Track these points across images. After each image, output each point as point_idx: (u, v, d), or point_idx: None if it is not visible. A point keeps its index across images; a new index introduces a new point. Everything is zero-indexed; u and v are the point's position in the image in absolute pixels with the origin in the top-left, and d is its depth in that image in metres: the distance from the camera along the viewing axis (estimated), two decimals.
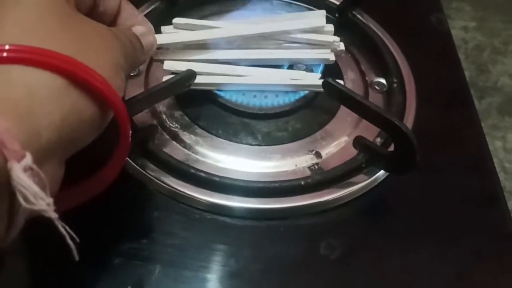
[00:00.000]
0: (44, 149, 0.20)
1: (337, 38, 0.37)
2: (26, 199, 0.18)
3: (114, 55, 0.25)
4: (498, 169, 0.37)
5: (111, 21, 0.30)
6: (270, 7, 0.39)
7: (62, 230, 0.20)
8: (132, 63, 0.28)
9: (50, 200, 0.19)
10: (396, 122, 0.30)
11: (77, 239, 0.21)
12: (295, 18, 0.38)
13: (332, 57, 0.37)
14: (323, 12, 0.38)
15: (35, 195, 0.18)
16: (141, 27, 0.30)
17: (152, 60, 0.39)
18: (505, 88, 0.76)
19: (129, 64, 0.27)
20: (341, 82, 0.34)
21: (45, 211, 0.19)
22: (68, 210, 0.21)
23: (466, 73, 0.44)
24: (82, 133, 0.22)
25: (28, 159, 0.18)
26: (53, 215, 0.19)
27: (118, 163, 0.26)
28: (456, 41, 0.47)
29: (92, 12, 0.28)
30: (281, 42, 0.37)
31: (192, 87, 0.35)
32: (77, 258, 0.21)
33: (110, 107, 0.23)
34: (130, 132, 0.25)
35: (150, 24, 0.32)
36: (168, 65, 0.35)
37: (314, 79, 0.36)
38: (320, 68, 0.38)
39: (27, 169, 0.18)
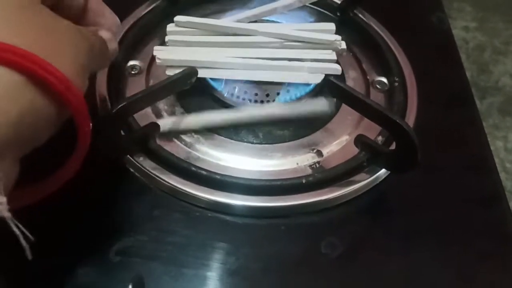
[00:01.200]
0: (0, 146, 0.19)
1: (338, 37, 0.37)
2: None
3: (78, 54, 0.24)
4: (499, 169, 0.37)
5: (78, 17, 0.29)
6: (271, 5, 0.39)
7: (16, 229, 0.20)
8: (96, 66, 0.28)
9: (3, 199, 0.19)
10: (397, 120, 0.30)
11: (32, 238, 0.20)
12: (303, 28, 0.38)
13: (338, 68, 0.37)
14: (332, 26, 0.38)
15: None
16: (106, 33, 0.29)
17: (153, 58, 0.39)
18: (506, 88, 0.76)
19: (93, 66, 0.26)
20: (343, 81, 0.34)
21: None
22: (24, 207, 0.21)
23: (467, 73, 0.44)
24: (39, 130, 0.22)
25: None
26: (6, 214, 0.19)
27: (74, 164, 0.25)
28: (457, 41, 0.47)
29: (58, 6, 0.27)
30: (283, 41, 0.37)
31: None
32: (30, 257, 0.20)
33: (68, 107, 0.22)
34: (90, 133, 0.24)
35: (118, 20, 0.31)
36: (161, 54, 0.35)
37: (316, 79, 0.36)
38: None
39: None
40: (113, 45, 0.30)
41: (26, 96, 0.20)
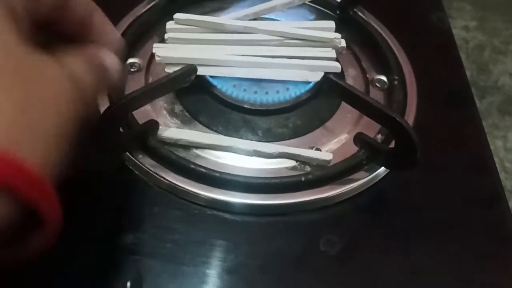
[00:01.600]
0: None
1: (338, 35, 0.37)
2: None
3: (63, 122, 0.21)
4: (498, 168, 0.37)
5: (78, 30, 0.27)
6: (271, 3, 0.39)
7: None
8: (93, 97, 0.26)
9: None
10: (397, 118, 0.30)
11: None
12: (302, 26, 0.38)
13: (338, 66, 0.37)
14: (332, 23, 0.38)
15: None
16: (108, 56, 0.27)
17: (152, 56, 0.39)
18: (506, 87, 0.76)
19: (89, 101, 0.24)
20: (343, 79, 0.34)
21: None
22: None
23: (467, 73, 0.44)
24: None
25: None
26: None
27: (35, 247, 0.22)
28: (457, 41, 0.47)
29: (56, 21, 0.26)
30: (282, 38, 0.37)
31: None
32: None
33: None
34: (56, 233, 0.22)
35: (120, 37, 0.30)
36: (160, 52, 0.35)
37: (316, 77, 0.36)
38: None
39: None
40: (114, 72, 0.27)
41: None
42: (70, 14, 0.26)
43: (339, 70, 0.37)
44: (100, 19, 0.28)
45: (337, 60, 0.38)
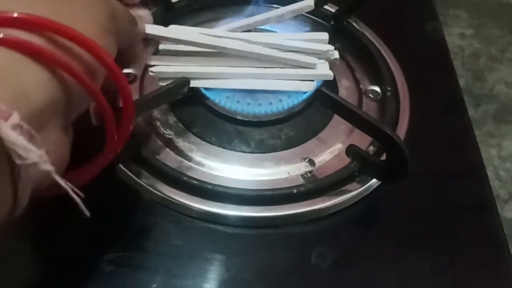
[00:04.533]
0: (35, 110, 0.19)
1: (331, 47, 0.37)
2: (18, 156, 0.18)
3: (100, 16, 0.24)
4: (493, 177, 0.38)
5: None
6: (265, 15, 0.39)
7: (64, 184, 0.20)
8: (127, 38, 0.28)
9: (42, 152, 0.19)
10: (388, 132, 0.30)
11: (82, 195, 0.21)
12: (296, 37, 0.38)
13: (330, 73, 0.37)
14: (325, 35, 0.38)
15: (25, 149, 0.18)
16: (139, 10, 0.30)
17: (146, 67, 0.40)
18: (501, 95, 0.76)
19: (120, 36, 0.27)
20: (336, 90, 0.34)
21: (38, 164, 0.19)
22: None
23: (462, 80, 0.44)
24: (76, 93, 0.22)
25: (15, 117, 0.18)
26: (48, 167, 0.19)
27: (124, 134, 0.26)
28: (453, 48, 0.47)
29: None
30: (276, 51, 0.37)
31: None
32: (87, 214, 0.21)
33: (102, 65, 0.22)
34: (131, 95, 0.25)
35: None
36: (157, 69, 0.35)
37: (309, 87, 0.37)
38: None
39: (15, 127, 0.18)
40: (146, 20, 0.31)
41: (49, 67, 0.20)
42: None
43: (331, 78, 0.37)
44: None
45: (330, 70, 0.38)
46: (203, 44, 0.35)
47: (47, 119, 0.20)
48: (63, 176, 0.21)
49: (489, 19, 0.84)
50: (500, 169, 0.66)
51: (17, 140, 0.18)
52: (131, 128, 0.26)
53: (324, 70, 0.37)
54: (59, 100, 0.21)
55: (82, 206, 0.21)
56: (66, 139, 0.22)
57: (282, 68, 0.37)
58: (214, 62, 0.36)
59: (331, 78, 0.37)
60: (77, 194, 0.21)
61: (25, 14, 0.20)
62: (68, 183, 0.20)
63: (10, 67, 0.19)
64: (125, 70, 0.40)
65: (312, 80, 0.37)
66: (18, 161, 0.18)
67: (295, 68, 0.37)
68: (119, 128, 0.25)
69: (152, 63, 0.36)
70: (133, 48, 0.30)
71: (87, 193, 0.31)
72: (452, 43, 0.46)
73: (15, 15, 0.20)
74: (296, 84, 0.37)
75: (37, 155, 0.19)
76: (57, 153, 0.21)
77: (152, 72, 0.35)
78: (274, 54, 0.36)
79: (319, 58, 0.37)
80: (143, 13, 0.30)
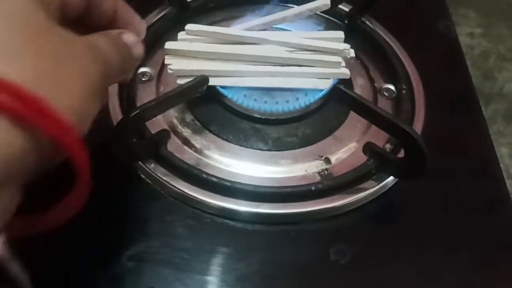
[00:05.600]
0: None
1: (347, 46, 0.37)
2: None
3: (91, 78, 0.23)
4: (504, 175, 0.38)
5: (106, 23, 0.28)
6: (281, 14, 0.40)
7: (13, 268, 0.19)
8: (117, 77, 0.28)
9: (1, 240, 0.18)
10: (406, 129, 0.31)
11: (27, 275, 0.20)
12: (312, 36, 0.38)
13: (347, 71, 0.37)
14: (341, 34, 0.38)
15: None
16: (132, 36, 0.28)
17: (164, 65, 0.40)
18: (511, 94, 0.76)
19: (113, 78, 0.26)
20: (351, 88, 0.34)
21: None
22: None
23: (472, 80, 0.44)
24: (39, 160, 0.20)
25: None
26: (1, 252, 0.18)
27: (75, 204, 0.23)
28: (462, 48, 0.47)
29: (85, 17, 0.27)
30: (292, 49, 0.37)
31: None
32: None
33: (64, 149, 0.20)
34: (89, 182, 0.22)
35: (145, 26, 0.31)
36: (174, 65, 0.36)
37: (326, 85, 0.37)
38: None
39: None
40: (137, 50, 0.29)
41: (16, 136, 0.19)
42: (96, 8, 0.27)
43: (348, 76, 0.37)
44: (124, 9, 0.29)
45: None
46: (226, 38, 0.35)
47: (4, 181, 0.19)
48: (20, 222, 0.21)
49: (498, 18, 0.83)
50: (511, 167, 0.66)
51: None
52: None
53: (340, 69, 0.37)
54: (18, 167, 0.19)
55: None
56: (17, 198, 0.21)
57: (299, 66, 0.37)
58: (231, 60, 0.36)
59: (348, 77, 0.37)
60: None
61: None
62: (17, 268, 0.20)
63: None
64: (142, 69, 0.40)
65: (329, 78, 0.37)
66: None
67: (311, 66, 0.37)
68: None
69: (169, 61, 0.36)
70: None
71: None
72: (461, 42, 0.46)
73: None
74: (313, 82, 0.37)
75: None
76: (4, 211, 0.20)
77: (171, 69, 0.35)
78: (291, 55, 0.36)
79: (335, 56, 0.37)
80: (131, 40, 0.29)
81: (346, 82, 0.40)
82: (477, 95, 0.43)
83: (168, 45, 0.36)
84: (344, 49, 0.37)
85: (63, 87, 0.20)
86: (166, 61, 0.36)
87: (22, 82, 0.19)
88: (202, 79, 0.34)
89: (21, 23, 0.20)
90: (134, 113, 0.30)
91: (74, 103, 0.21)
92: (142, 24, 0.31)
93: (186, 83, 0.33)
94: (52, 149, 0.20)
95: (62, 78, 0.21)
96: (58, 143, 0.19)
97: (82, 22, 0.27)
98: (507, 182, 0.38)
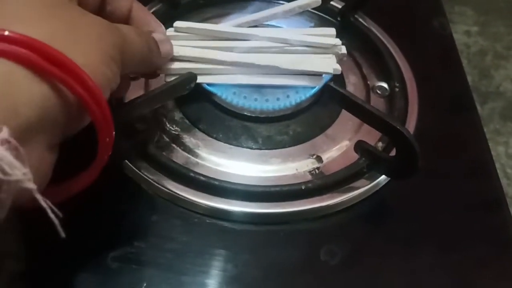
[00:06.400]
0: (24, 126, 0.19)
1: (338, 41, 0.37)
2: (2, 171, 0.18)
3: (105, 44, 0.24)
4: (500, 174, 0.37)
5: (121, 22, 0.29)
6: (272, 10, 0.39)
7: (43, 203, 0.20)
8: (145, 64, 0.29)
9: (26, 170, 0.19)
10: (398, 127, 0.30)
11: (60, 214, 0.20)
12: (303, 32, 0.37)
13: (338, 67, 0.36)
14: (333, 30, 0.38)
15: (10, 165, 0.18)
16: (160, 35, 0.31)
17: None
18: (508, 93, 0.76)
19: (134, 61, 0.27)
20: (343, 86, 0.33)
21: (21, 181, 0.19)
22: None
23: (468, 78, 0.44)
24: (67, 115, 0.22)
25: (4, 133, 0.18)
26: (31, 185, 0.19)
27: (94, 172, 0.25)
28: (459, 46, 0.47)
29: (100, 12, 0.28)
30: (283, 45, 0.37)
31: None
32: (63, 234, 0.20)
33: (85, 107, 0.22)
34: (111, 142, 0.25)
35: (164, 29, 0.32)
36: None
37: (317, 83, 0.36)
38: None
39: (3, 142, 0.18)
40: (166, 47, 0.31)
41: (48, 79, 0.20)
42: (113, 1, 0.29)
43: (339, 72, 0.37)
44: (140, 11, 0.31)
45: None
46: (215, 35, 0.35)
47: (34, 136, 0.20)
48: (46, 189, 0.21)
49: (495, 16, 0.83)
50: (507, 166, 0.66)
51: (3, 155, 0.18)
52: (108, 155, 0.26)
53: (332, 64, 0.36)
54: (49, 120, 0.21)
55: (58, 227, 0.20)
56: (50, 157, 0.22)
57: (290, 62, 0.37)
58: (220, 58, 0.36)
59: (339, 72, 0.37)
60: (55, 213, 0.20)
61: (16, 34, 0.20)
62: (48, 201, 0.20)
63: (3, 81, 0.19)
64: None
65: (320, 75, 0.36)
66: (2, 176, 0.18)
67: (302, 63, 0.36)
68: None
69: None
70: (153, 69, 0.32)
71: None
72: (458, 41, 0.46)
73: (6, 33, 0.20)
74: (304, 79, 0.37)
75: (22, 173, 0.19)
76: (38, 170, 0.21)
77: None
78: (282, 50, 0.36)
79: (326, 53, 0.37)
80: (161, 37, 0.31)
81: (339, 80, 0.40)
82: (472, 94, 0.43)
83: None
84: (335, 44, 0.36)
85: (79, 48, 0.22)
86: None
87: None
88: (189, 76, 0.33)
89: (42, 1, 0.22)
90: (121, 109, 0.30)
91: (89, 62, 0.22)
92: (159, 25, 0.32)
93: (173, 80, 0.33)
94: (76, 104, 0.21)
95: (77, 40, 0.22)
96: (78, 95, 0.21)
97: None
98: (504, 181, 0.38)
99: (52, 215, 0.20)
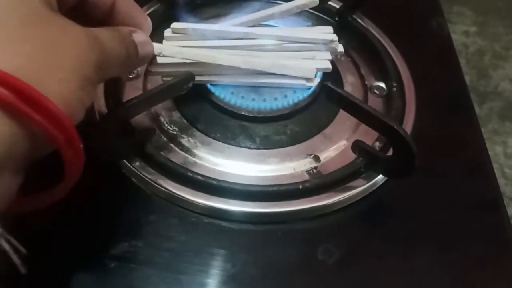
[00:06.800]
0: None
1: (335, 37, 0.37)
2: None
3: (83, 67, 0.22)
4: (498, 174, 0.37)
5: (105, 14, 0.28)
6: (269, 11, 0.39)
7: (5, 244, 0.19)
8: (118, 69, 0.27)
9: None
10: (395, 127, 0.30)
11: (24, 251, 0.20)
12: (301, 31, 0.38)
13: (329, 66, 0.37)
14: (330, 29, 0.38)
15: None
16: (141, 35, 0.29)
17: (150, 62, 0.39)
18: (506, 93, 0.76)
19: (111, 71, 0.26)
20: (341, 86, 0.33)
21: None
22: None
23: (467, 78, 0.44)
24: (37, 146, 0.21)
25: None
26: None
27: (61, 191, 0.24)
28: (457, 46, 0.47)
29: (82, 6, 0.27)
30: (281, 43, 0.37)
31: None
32: (24, 271, 0.20)
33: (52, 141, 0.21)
34: (80, 169, 0.23)
35: (150, 23, 0.31)
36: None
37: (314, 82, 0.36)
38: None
39: None
40: (145, 50, 0.29)
41: (5, 123, 0.19)
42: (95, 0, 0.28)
43: (329, 69, 0.37)
44: (126, 3, 0.29)
45: (335, 66, 0.38)
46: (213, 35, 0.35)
47: (0, 169, 0.19)
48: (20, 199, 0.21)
49: (494, 16, 0.83)
50: (505, 166, 0.66)
51: None
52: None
53: (324, 62, 0.36)
54: (18, 152, 0.20)
55: (19, 265, 0.20)
56: (16, 181, 0.21)
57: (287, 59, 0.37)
58: (218, 58, 0.36)
59: (329, 70, 0.37)
60: (19, 252, 0.20)
61: None
62: (12, 240, 0.20)
63: None
64: None
65: (315, 76, 0.37)
66: None
67: (297, 59, 0.37)
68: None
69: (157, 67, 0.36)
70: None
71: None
72: (457, 41, 0.46)
73: None
74: (301, 79, 0.37)
75: None
76: (3, 196, 0.20)
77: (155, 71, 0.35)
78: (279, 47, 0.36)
79: (323, 50, 0.37)
80: (141, 39, 0.29)
81: (336, 80, 0.40)
82: (469, 93, 0.43)
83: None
84: (332, 40, 0.36)
85: (55, 75, 0.21)
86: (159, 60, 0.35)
87: (12, 69, 0.19)
88: (187, 76, 0.33)
89: (14, 10, 0.21)
90: (118, 109, 0.30)
91: (65, 91, 0.21)
92: (145, 19, 0.31)
93: (171, 79, 0.33)
94: (45, 137, 0.20)
95: (54, 65, 0.21)
96: (46, 133, 0.20)
97: (83, 12, 0.27)
98: (501, 181, 0.38)
99: (15, 257, 0.20)
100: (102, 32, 0.25)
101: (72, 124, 0.21)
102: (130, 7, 0.30)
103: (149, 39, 0.30)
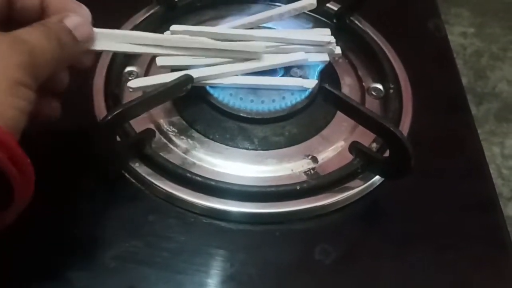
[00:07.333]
0: None
1: (333, 39, 0.37)
2: None
3: (9, 70, 0.22)
4: (495, 175, 0.38)
5: (37, 13, 0.27)
6: (268, 13, 0.39)
7: None
8: (63, 62, 0.26)
9: None
10: (391, 128, 0.30)
11: None
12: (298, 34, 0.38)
13: (326, 57, 0.37)
14: (327, 31, 0.38)
15: None
16: (74, 18, 0.27)
17: (151, 63, 0.40)
18: (503, 94, 0.76)
19: (49, 67, 0.25)
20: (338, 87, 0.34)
21: None
22: None
23: (464, 79, 0.44)
24: None
25: None
26: None
27: (10, 216, 0.23)
28: (455, 47, 0.47)
29: (10, 12, 0.26)
30: (279, 45, 0.37)
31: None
32: None
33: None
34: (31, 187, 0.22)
35: (85, 10, 0.29)
36: (162, 61, 0.35)
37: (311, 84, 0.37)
38: (316, 73, 0.38)
39: None
40: (82, 31, 0.27)
41: None
42: (18, 1, 0.26)
43: (327, 62, 0.37)
44: (54, 1, 0.28)
45: (332, 66, 0.38)
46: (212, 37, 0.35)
47: None
48: None
49: (491, 17, 0.83)
50: (502, 167, 0.66)
51: None
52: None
53: (320, 55, 0.37)
54: None
55: None
56: None
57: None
58: (216, 60, 0.36)
59: (327, 62, 0.37)
60: None
61: None
62: None
63: None
64: (128, 68, 0.40)
65: (313, 77, 0.37)
66: None
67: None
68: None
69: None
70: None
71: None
72: (454, 42, 0.46)
73: None
74: (299, 80, 0.37)
75: None
76: None
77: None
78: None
79: (321, 52, 0.37)
80: (74, 22, 0.27)
81: (334, 82, 0.40)
82: (466, 95, 0.43)
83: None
84: (330, 42, 0.36)
85: None
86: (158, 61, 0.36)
87: None
88: (186, 78, 0.34)
89: None
90: (117, 111, 0.30)
91: None
92: (78, 5, 0.29)
93: (170, 81, 0.33)
94: None
95: None
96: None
97: (13, 18, 0.26)
98: (498, 181, 0.38)
99: None
100: (27, 31, 0.25)
101: (12, 139, 0.20)
102: (62, 1, 0.29)
103: (84, 20, 0.28)
